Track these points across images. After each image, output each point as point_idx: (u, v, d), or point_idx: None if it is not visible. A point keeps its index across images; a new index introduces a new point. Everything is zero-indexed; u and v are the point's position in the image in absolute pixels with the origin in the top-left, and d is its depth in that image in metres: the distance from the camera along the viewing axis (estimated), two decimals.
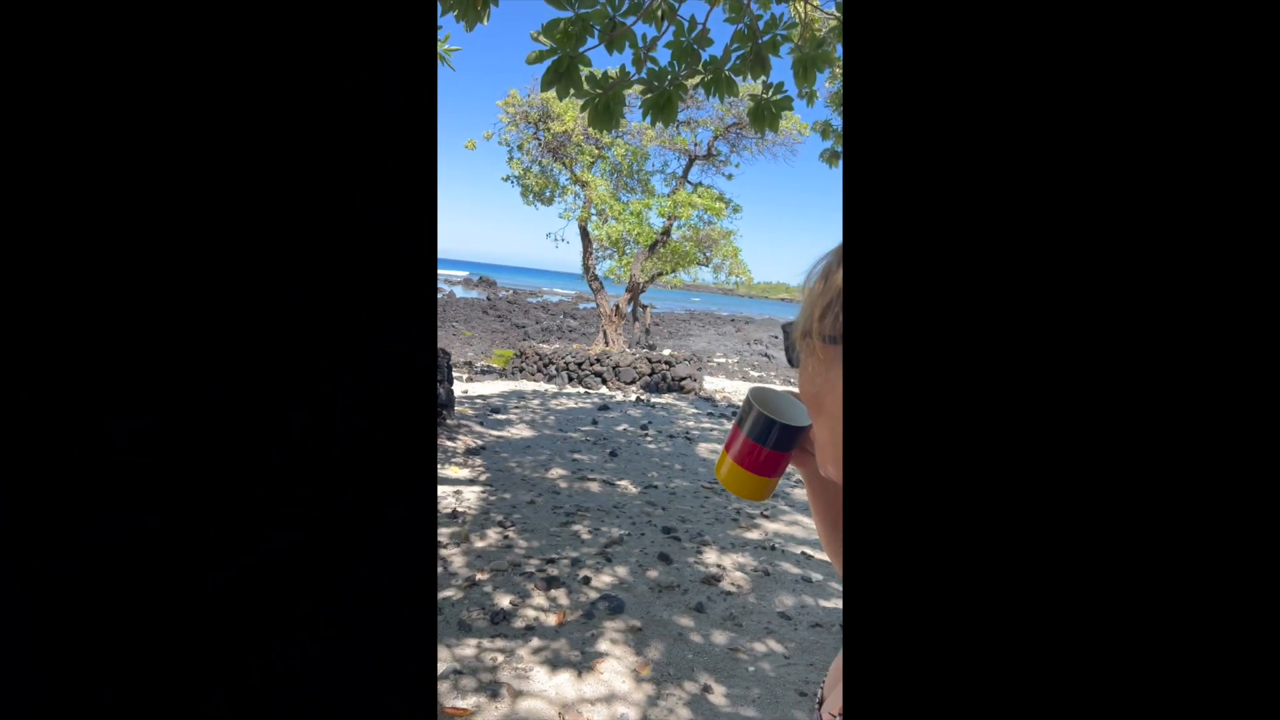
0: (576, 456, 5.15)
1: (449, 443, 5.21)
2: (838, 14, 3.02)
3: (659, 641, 2.42)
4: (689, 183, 11.06)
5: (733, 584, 2.97)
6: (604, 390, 9.36)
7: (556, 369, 9.92)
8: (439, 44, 4.68)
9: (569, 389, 9.25)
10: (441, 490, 4.05)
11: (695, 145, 10.93)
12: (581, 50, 2.86)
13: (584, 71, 2.89)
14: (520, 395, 8.08)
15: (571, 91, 2.89)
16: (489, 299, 26.37)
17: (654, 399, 8.64)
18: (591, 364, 9.82)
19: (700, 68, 3.18)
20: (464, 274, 43.55)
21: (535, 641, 2.35)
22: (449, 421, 5.86)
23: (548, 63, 2.74)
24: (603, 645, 2.36)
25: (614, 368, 9.71)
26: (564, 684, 2.11)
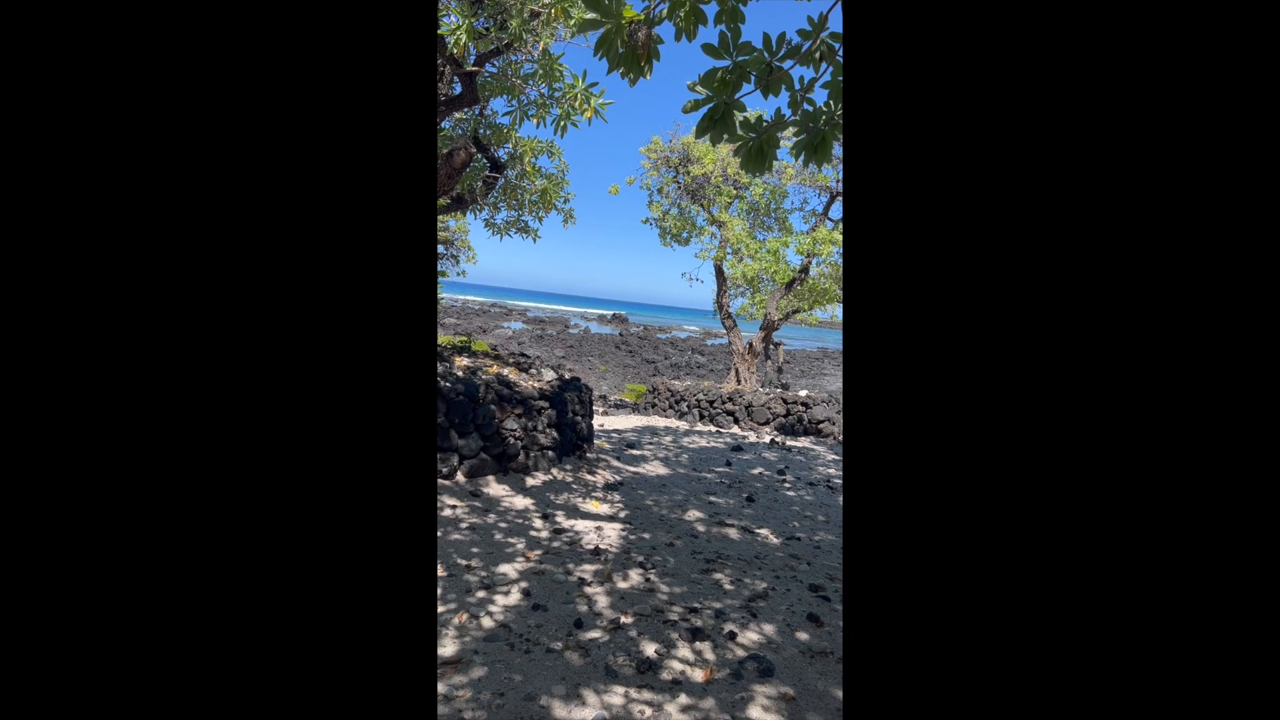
0: (712, 499, 5.05)
1: (589, 476, 5.34)
2: None
3: (815, 715, 2.23)
4: (829, 219, 10.75)
5: None
6: (736, 430, 9.18)
7: (688, 405, 9.91)
8: (594, 98, 4.98)
9: (700, 426, 9.17)
10: (583, 525, 4.14)
11: (838, 181, 10.64)
12: (737, 96, 2.88)
13: (739, 116, 2.90)
14: (653, 431, 8.14)
15: (725, 136, 2.91)
16: (621, 334, 27.22)
17: (790, 441, 8.31)
18: (724, 402, 9.70)
19: None
20: (600, 311, 45.57)
21: (683, 698, 2.26)
22: (589, 455, 6.03)
23: (703, 110, 2.78)
24: (753, 711, 2.22)
25: (746, 407, 9.51)
26: None
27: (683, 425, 9.18)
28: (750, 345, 10.97)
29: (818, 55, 2.91)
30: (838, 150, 10.05)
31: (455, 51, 4.47)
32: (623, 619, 2.84)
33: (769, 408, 9.41)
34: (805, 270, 10.46)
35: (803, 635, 2.83)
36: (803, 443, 8.34)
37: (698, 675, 2.42)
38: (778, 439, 8.44)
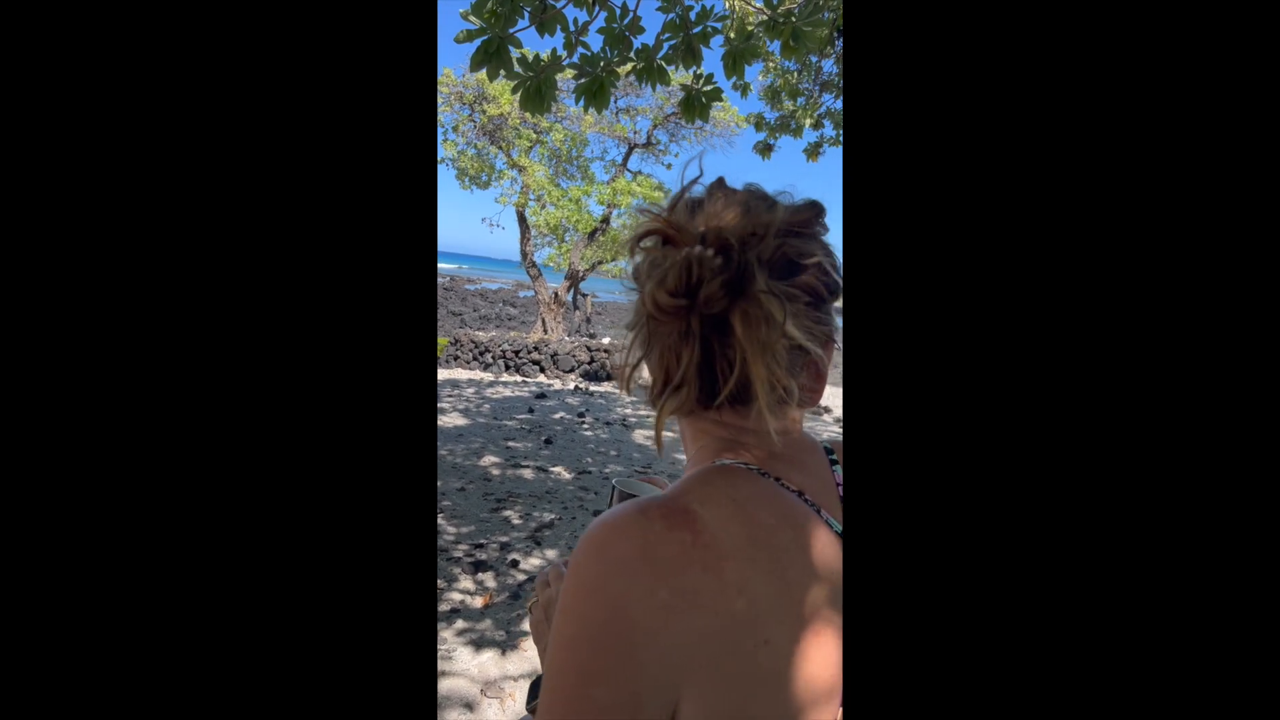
0: (510, 444, 5.12)
1: None
2: (768, 9, 3.10)
3: None
4: (628, 171, 11.06)
5: None
6: (542, 379, 9.30)
7: (493, 357, 9.77)
8: None
9: (506, 377, 9.13)
10: None
11: (635, 133, 10.94)
12: (512, 31, 2.82)
13: (515, 53, 2.86)
14: (455, 384, 7.92)
15: (502, 73, 2.85)
16: None
17: (592, 387, 8.65)
18: (529, 352, 9.73)
19: (632, 55, 3.21)
20: None
21: (460, 623, 2.35)
22: None
23: (477, 43, 2.70)
24: (528, 625, 2.38)
25: (552, 356, 9.65)
26: (488, 662, 2.13)
27: (487, 377, 9.05)
28: (556, 295, 11.05)
29: None
30: (622, 102, 10.25)
31: None
32: None
33: (574, 355, 9.65)
34: (606, 220, 10.71)
35: None
36: (605, 387, 8.74)
37: (477, 602, 2.52)
38: (581, 385, 8.74)
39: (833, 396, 7.75)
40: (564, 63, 3.03)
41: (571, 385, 8.67)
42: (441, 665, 2.10)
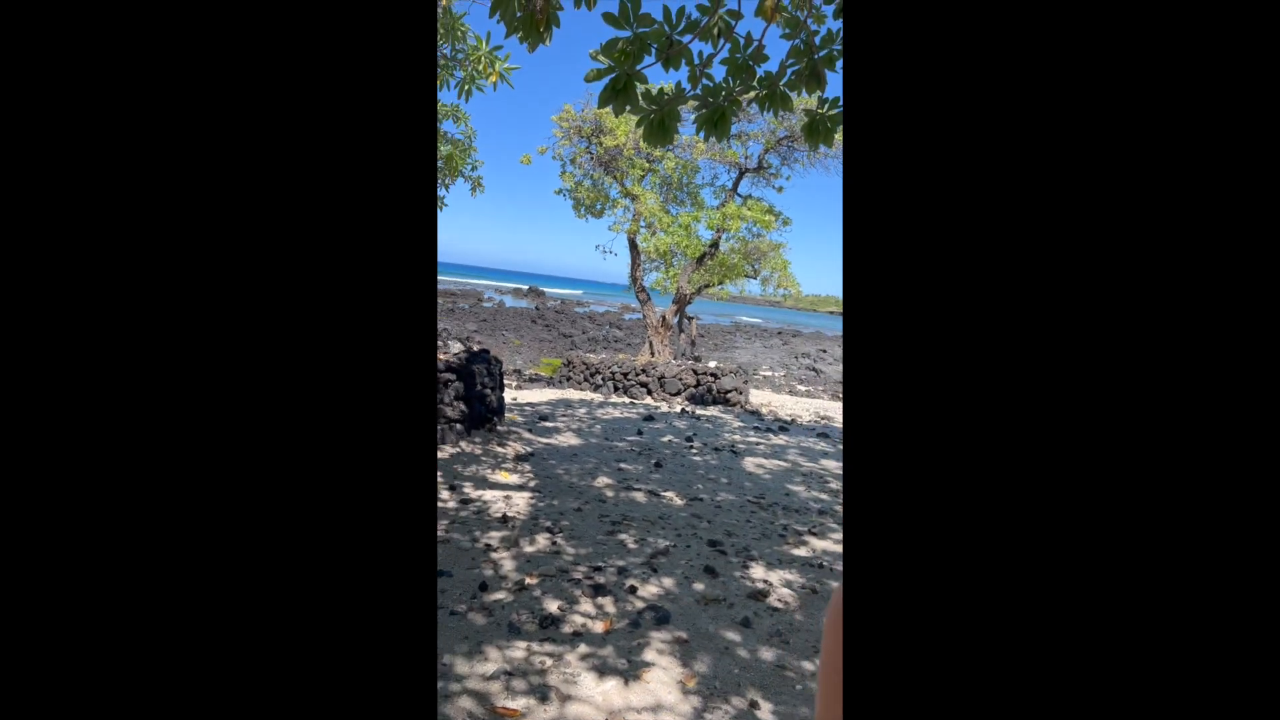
0: (622, 466, 5.19)
1: (499, 448, 5.33)
2: None
3: (705, 655, 2.41)
4: (738, 195, 11.04)
5: (780, 600, 2.93)
6: (649, 401, 9.39)
7: (603, 378, 10.02)
8: (499, 63, 4.85)
9: (614, 398, 9.31)
10: (492, 495, 4.15)
11: (746, 158, 10.92)
12: (638, 68, 2.92)
13: (640, 88, 2.95)
14: (568, 404, 8.19)
15: (628, 108, 2.95)
16: (537, 309, 26.83)
17: (699, 411, 8.61)
18: (637, 374, 9.87)
19: (755, 83, 3.20)
20: (514, 285, 44.56)
21: (583, 648, 2.38)
22: (499, 428, 6.00)
23: (605, 80, 2.81)
24: (649, 655, 2.37)
25: (659, 379, 9.73)
26: (611, 691, 2.14)
27: (597, 397, 9.28)
28: (664, 318, 11.18)
29: (716, 31, 2.99)
30: (735, 128, 10.27)
31: None
32: (528, 580, 2.91)
33: (680, 379, 9.68)
34: (716, 245, 10.73)
35: (699, 586, 3.02)
36: (711, 411, 8.67)
37: (598, 627, 2.54)
38: (688, 408, 8.72)
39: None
40: (688, 95, 3.08)
41: (678, 408, 8.68)
42: (566, 689, 2.13)
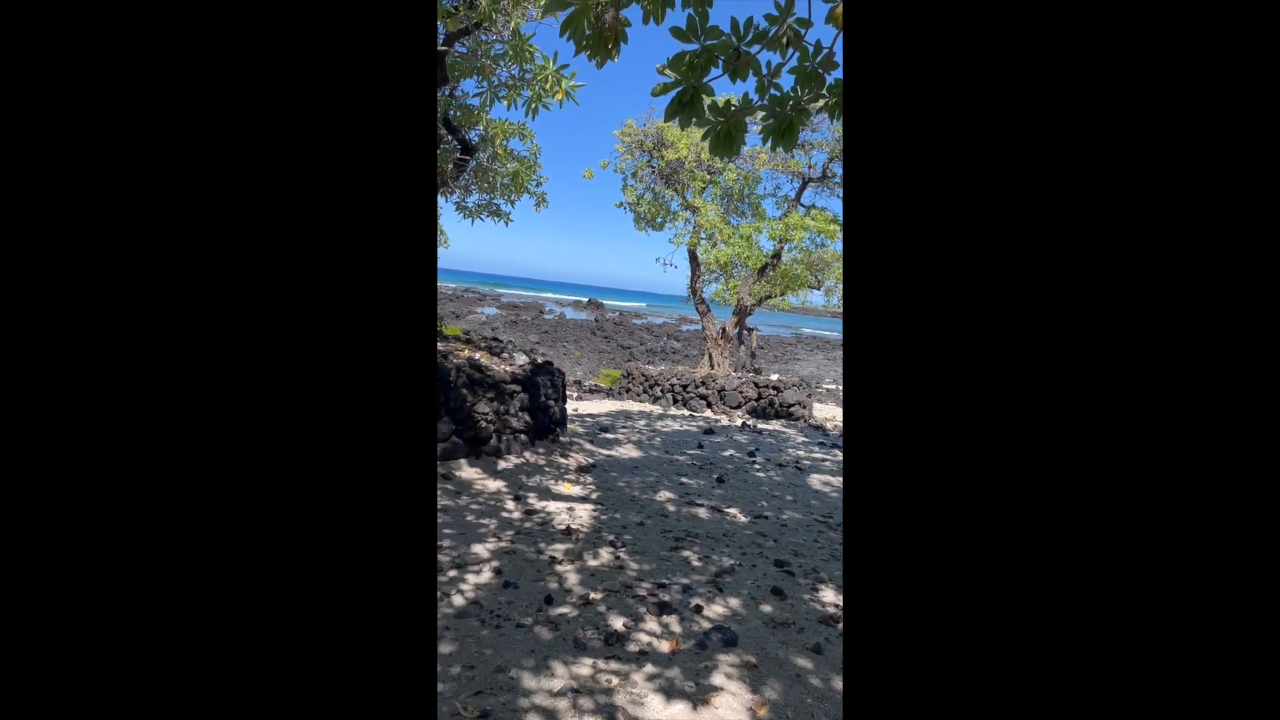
0: (684, 480, 5.13)
1: (562, 459, 5.38)
2: None
3: (776, 681, 2.33)
4: (801, 205, 10.85)
5: None
6: (709, 413, 9.28)
7: (662, 390, 9.99)
8: (566, 80, 4.95)
9: (674, 410, 9.26)
10: (555, 506, 4.18)
11: (809, 168, 10.74)
12: (705, 80, 2.90)
13: (706, 101, 2.93)
14: (627, 415, 8.20)
15: (694, 121, 2.93)
16: (596, 320, 27.17)
17: (760, 425, 8.44)
18: (697, 386, 9.79)
19: (824, 92, 3.13)
20: (575, 298, 45.41)
21: (649, 667, 2.34)
22: (562, 439, 6.06)
23: (672, 94, 2.80)
24: (717, 679, 2.30)
25: (719, 391, 9.62)
26: (679, 715, 2.08)
27: (656, 409, 9.25)
28: (723, 330, 11.07)
29: (784, 40, 2.95)
30: (813, 135, 10.12)
31: None
32: (592, 595, 2.90)
33: (741, 391, 9.53)
34: (778, 256, 10.56)
35: (766, 608, 2.92)
36: (773, 425, 8.48)
37: (664, 646, 2.50)
38: (749, 422, 8.57)
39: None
40: (755, 105, 3.04)
41: (739, 422, 8.54)
42: (634, 710, 2.09)
